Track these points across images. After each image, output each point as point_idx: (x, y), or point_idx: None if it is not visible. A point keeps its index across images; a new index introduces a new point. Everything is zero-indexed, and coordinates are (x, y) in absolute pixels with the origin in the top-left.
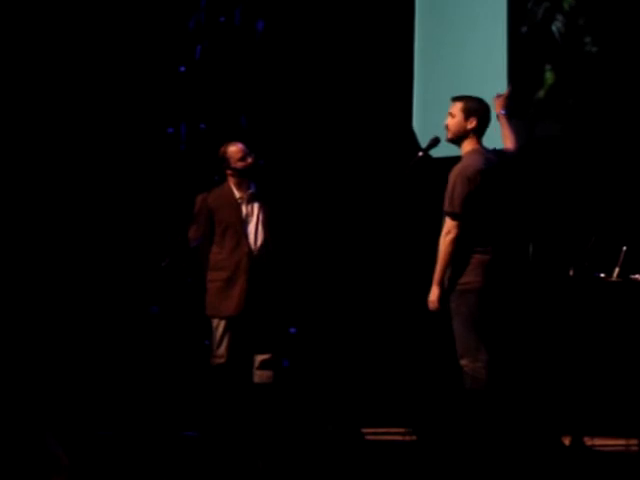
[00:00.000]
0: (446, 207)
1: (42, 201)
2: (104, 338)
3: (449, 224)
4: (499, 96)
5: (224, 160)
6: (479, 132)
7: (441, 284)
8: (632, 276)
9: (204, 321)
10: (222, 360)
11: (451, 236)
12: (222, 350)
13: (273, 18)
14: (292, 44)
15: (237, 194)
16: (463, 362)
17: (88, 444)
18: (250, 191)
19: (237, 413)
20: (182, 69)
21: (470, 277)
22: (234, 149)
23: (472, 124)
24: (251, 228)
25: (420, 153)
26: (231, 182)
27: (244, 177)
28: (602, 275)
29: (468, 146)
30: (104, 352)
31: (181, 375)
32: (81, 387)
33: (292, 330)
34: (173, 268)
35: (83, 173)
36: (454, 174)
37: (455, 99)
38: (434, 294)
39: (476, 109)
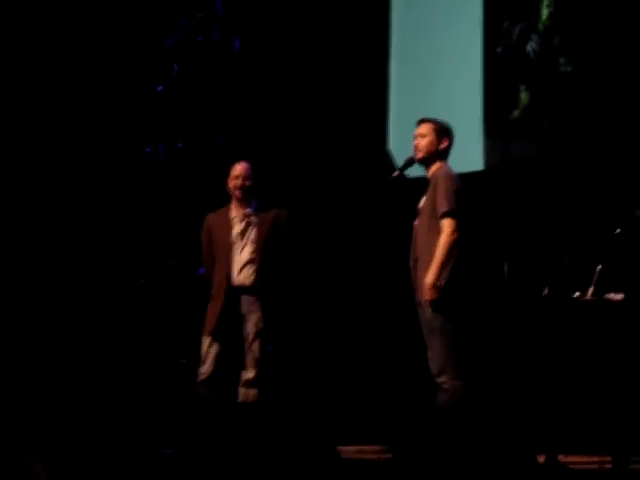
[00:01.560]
0: (445, 207)
1: (20, 218)
2: (84, 355)
3: (451, 224)
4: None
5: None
6: (447, 154)
7: (438, 282)
8: (606, 295)
9: (183, 339)
10: (204, 377)
11: (455, 236)
12: (204, 367)
13: (250, 37)
14: (269, 63)
15: (233, 213)
16: (442, 379)
17: (68, 461)
18: (244, 211)
19: (217, 431)
20: (159, 88)
21: (462, 291)
22: (234, 167)
23: (444, 144)
24: (238, 247)
25: (395, 173)
26: (232, 201)
27: (234, 196)
28: (576, 294)
29: (438, 166)
30: (84, 369)
31: (160, 393)
32: (60, 404)
33: (268, 348)
34: (151, 286)
35: (61, 192)
36: (443, 178)
37: (424, 120)
38: (434, 292)
39: (447, 130)
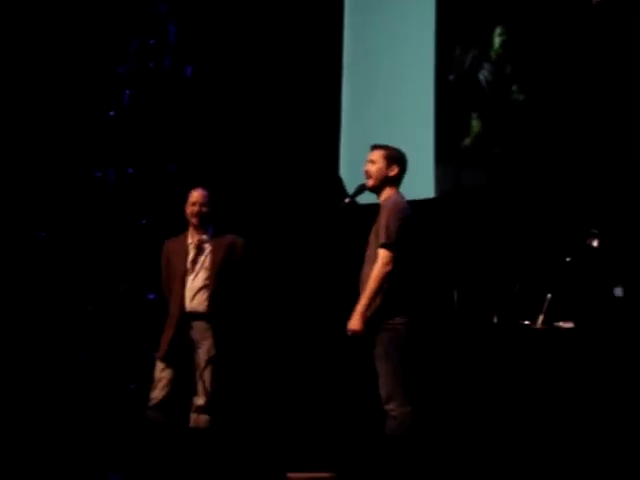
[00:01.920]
0: (383, 239)
1: None
2: (32, 382)
3: (386, 256)
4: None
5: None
6: (398, 180)
7: (365, 313)
8: (556, 324)
9: (132, 365)
10: (155, 401)
11: (387, 268)
12: (156, 392)
13: (202, 64)
14: (221, 90)
15: (190, 239)
16: (390, 406)
17: None
18: (200, 237)
19: (167, 456)
20: (111, 114)
21: (401, 318)
22: (191, 194)
23: (394, 171)
24: (193, 273)
25: (347, 199)
26: (190, 227)
27: (192, 223)
28: (526, 322)
29: (389, 193)
30: (32, 396)
31: (109, 418)
32: (12, 430)
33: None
34: (100, 312)
35: (11, 217)
36: (388, 209)
37: (376, 147)
38: (358, 322)
39: (398, 157)
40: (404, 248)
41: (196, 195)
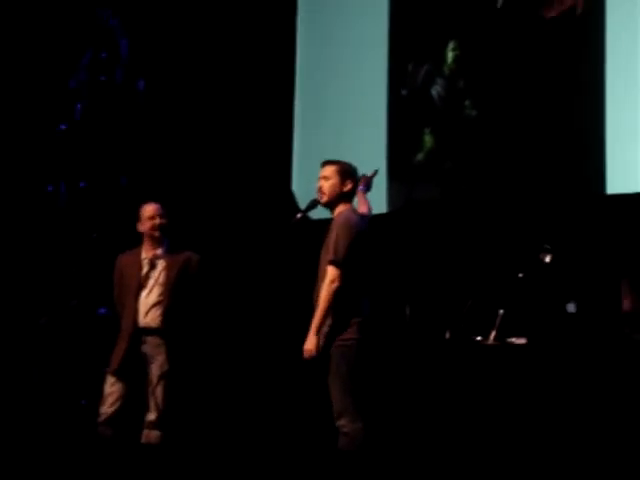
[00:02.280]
0: (331, 256)
1: None
2: None
3: (334, 273)
4: (364, 176)
5: (137, 219)
6: (351, 196)
7: (319, 333)
8: (508, 339)
9: (82, 380)
10: (105, 417)
11: (335, 285)
12: (105, 407)
13: (154, 77)
14: (173, 103)
15: (144, 254)
16: (341, 422)
17: None
18: (155, 252)
19: (118, 472)
20: (62, 127)
21: (352, 334)
22: (146, 208)
23: (348, 187)
24: (147, 289)
25: (299, 215)
26: (144, 242)
27: (152, 237)
28: (479, 338)
29: (341, 208)
30: None
31: (59, 433)
32: None
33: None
34: (51, 326)
35: None
36: (338, 225)
37: (329, 163)
38: (312, 343)
39: (351, 173)
40: (354, 264)
41: (153, 209)
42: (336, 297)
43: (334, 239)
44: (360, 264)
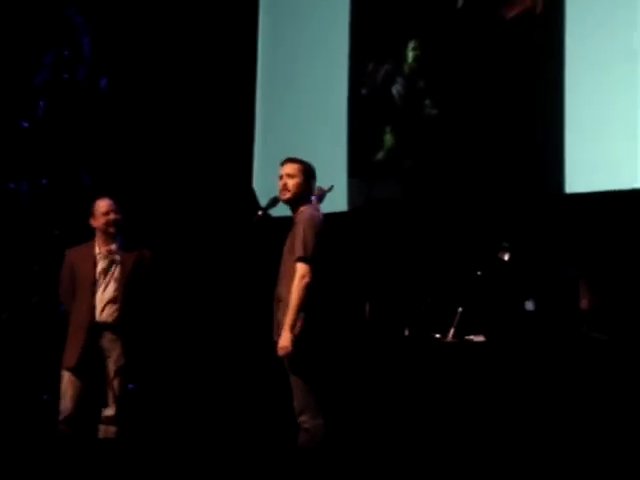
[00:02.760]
0: (300, 252)
1: None
2: None
3: (303, 269)
4: (320, 188)
5: (90, 214)
6: (312, 193)
7: (293, 330)
8: (467, 337)
9: (44, 375)
10: (66, 413)
11: (306, 280)
12: (66, 402)
13: (117, 76)
14: (135, 102)
15: (97, 250)
16: (302, 418)
17: None
18: (109, 247)
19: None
20: (25, 124)
21: (313, 331)
22: (100, 203)
23: (311, 186)
24: (102, 284)
25: (260, 212)
26: (96, 237)
27: (106, 232)
28: (437, 335)
29: (304, 205)
30: None
31: (22, 430)
32: None
33: (130, 387)
34: (13, 322)
35: None
36: (304, 221)
37: (291, 160)
38: (288, 339)
39: (313, 172)
40: (320, 261)
41: (108, 204)
42: (308, 293)
43: (302, 236)
44: (324, 261)
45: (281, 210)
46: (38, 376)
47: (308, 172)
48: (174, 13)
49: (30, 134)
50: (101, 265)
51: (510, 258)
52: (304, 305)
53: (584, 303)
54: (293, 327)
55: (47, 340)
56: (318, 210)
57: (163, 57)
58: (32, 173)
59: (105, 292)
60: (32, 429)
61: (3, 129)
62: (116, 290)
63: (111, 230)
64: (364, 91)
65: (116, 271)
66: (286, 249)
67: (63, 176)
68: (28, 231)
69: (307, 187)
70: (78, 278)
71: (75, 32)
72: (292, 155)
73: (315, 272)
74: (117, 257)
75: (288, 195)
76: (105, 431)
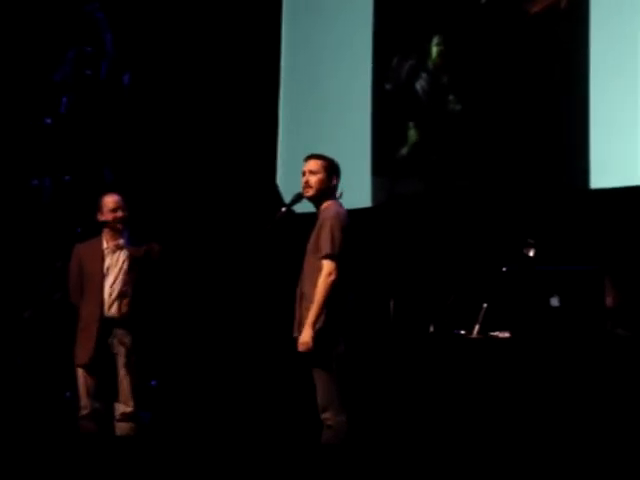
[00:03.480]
0: (327, 250)
1: None
2: None
3: (329, 266)
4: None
5: (98, 210)
6: (336, 189)
7: (315, 326)
8: (492, 333)
9: (66, 372)
10: (86, 411)
11: (332, 278)
12: (84, 400)
13: (139, 72)
14: (158, 98)
15: (105, 244)
16: (326, 415)
17: None
18: (117, 242)
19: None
20: (47, 121)
21: (338, 327)
22: (108, 199)
23: (334, 182)
24: (110, 279)
25: (283, 209)
26: (103, 232)
27: (114, 228)
28: (462, 332)
29: (328, 202)
30: None
31: (42, 427)
32: None
33: (153, 383)
34: (35, 319)
35: None
36: (329, 218)
37: (314, 157)
38: (309, 335)
39: (336, 167)
40: (345, 258)
41: (116, 200)
42: (333, 290)
43: (328, 233)
44: (349, 258)
45: (305, 206)
46: (60, 373)
47: (331, 168)
48: (198, 9)
49: (53, 131)
50: (109, 260)
51: (535, 254)
52: (328, 302)
53: (609, 299)
54: (315, 323)
55: (69, 337)
56: (342, 206)
57: (187, 53)
58: (55, 170)
59: (114, 286)
60: (54, 426)
61: (26, 126)
62: (125, 284)
63: (118, 226)
64: (388, 87)
65: (125, 265)
66: (310, 246)
67: (86, 172)
68: (51, 228)
69: (330, 183)
70: (86, 273)
71: (97, 28)
72: (316, 151)
73: (340, 269)
74: (125, 251)
75: (311, 192)
76: (122, 428)
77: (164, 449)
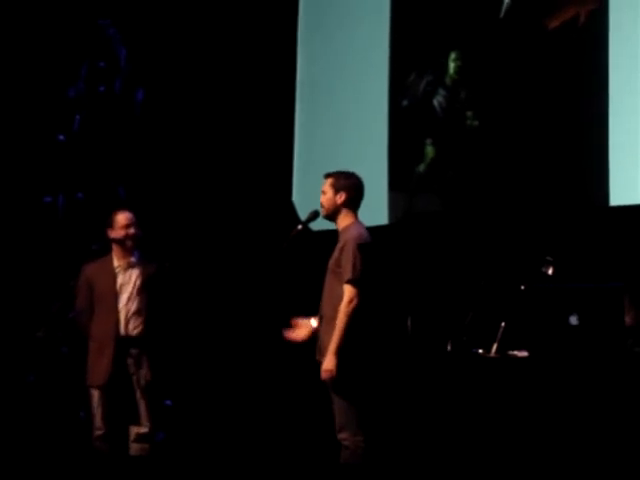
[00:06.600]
0: (349, 275)
1: None
2: None
3: (351, 292)
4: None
5: (109, 226)
6: (352, 206)
7: (338, 353)
8: (510, 352)
9: (80, 392)
10: (100, 432)
11: (354, 304)
12: (98, 421)
13: (153, 87)
14: (172, 113)
15: (116, 263)
16: (343, 435)
17: None
18: (128, 260)
19: None
20: (61, 138)
21: (357, 348)
22: (120, 216)
23: (341, 198)
24: (124, 297)
25: (299, 226)
26: (114, 250)
27: (124, 246)
28: (480, 351)
29: (345, 220)
30: None
31: (56, 447)
32: None
33: (167, 402)
34: (49, 338)
35: None
36: (352, 240)
37: (326, 175)
38: (332, 363)
39: (344, 184)
40: (368, 282)
41: (128, 217)
42: (355, 316)
43: (351, 257)
44: (371, 278)
45: (322, 224)
46: (74, 393)
47: (337, 184)
48: (213, 24)
49: (66, 147)
50: (121, 278)
51: (554, 272)
52: (350, 328)
53: (629, 318)
54: (338, 351)
55: (83, 356)
56: (362, 225)
57: (200, 69)
58: (68, 187)
59: (128, 305)
60: (68, 446)
61: (39, 142)
62: (140, 303)
63: (129, 244)
64: (405, 102)
65: (138, 283)
66: (330, 265)
67: (99, 190)
68: (64, 246)
69: (338, 201)
70: (98, 293)
71: (111, 44)
72: (331, 168)
73: (362, 294)
74: (137, 269)
75: (323, 212)
76: (137, 449)
77: (177, 470)
